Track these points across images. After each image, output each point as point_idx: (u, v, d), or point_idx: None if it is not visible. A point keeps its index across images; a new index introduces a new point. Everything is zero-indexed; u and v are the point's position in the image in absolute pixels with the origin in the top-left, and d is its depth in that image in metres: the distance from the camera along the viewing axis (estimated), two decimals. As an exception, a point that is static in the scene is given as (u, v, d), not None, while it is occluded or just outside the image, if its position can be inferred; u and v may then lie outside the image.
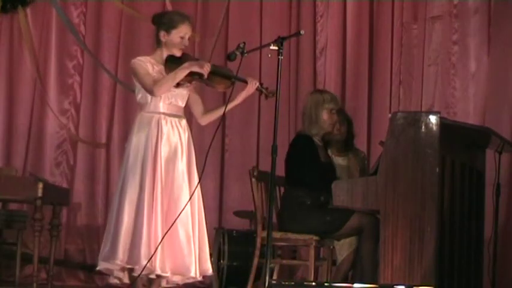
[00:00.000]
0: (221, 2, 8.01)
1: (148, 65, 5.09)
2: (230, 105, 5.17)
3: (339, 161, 6.25)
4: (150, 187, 4.98)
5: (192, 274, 5.01)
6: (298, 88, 7.86)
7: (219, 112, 5.30)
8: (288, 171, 5.79)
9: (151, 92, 5.02)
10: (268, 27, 7.86)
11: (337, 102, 5.92)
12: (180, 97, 5.15)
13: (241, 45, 4.82)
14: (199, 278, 5.12)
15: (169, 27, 5.12)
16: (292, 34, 5.38)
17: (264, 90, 5.18)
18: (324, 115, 5.81)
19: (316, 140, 5.83)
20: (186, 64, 5.04)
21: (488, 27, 7.19)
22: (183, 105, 5.18)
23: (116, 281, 5.15)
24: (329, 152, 6.13)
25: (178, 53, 5.14)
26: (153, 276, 5.00)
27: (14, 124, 7.96)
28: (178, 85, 5.11)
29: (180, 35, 5.13)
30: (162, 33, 5.13)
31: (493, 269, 5.97)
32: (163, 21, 5.15)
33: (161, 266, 4.93)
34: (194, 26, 7.83)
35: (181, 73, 5.02)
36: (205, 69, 5.03)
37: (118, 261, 4.94)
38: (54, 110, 7.92)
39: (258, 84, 5.17)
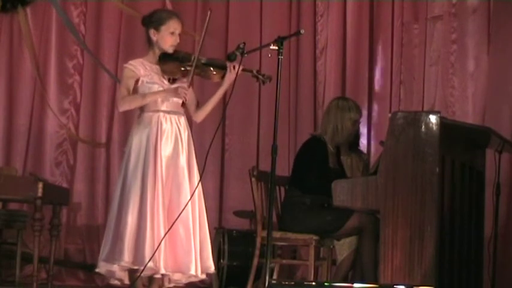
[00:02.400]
0: (221, 2, 8.01)
1: (140, 67, 5.09)
2: (220, 92, 5.18)
3: (342, 160, 6.24)
4: (152, 187, 4.98)
5: (192, 272, 5.00)
6: (298, 88, 7.86)
7: (210, 104, 5.27)
8: (293, 171, 5.80)
9: (117, 105, 5.10)
10: (268, 27, 7.86)
11: (361, 112, 5.93)
12: None
13: (241, 46, 4.82)
14: (201, 276, 5.11)
15: (158, 24, 5.14)
16: (292, 34, 5.38)
17: (259, 76, 5.17)
18: (349, 124, 5.82)
19: (330, 146, 5.83)
20: (162, 91, 5.04)
21: (488, 27, 7.19)
22: (181, 101, 5.17)
23: (116, 282, 5.14)
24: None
25: (170, 50, 5.15)
26: (158, 276, 4.99)
27: (14, 124, 7.95)
28: (174, 80, 5.13)
29: (169, 31, 5.14)
30: (152, 32, 5.15)
31: (493, 269, 5.97)
32: (152, 20, 5.18)
33: (165, 265, 4.94)
34: (194, 25, 7.86)
35: (151, 97, 5.03)
36: (182, 95, 5.01)
37: (123, 263, 4.93)
38: (54, 110, 7.92)
39: (241, 67, 5.11)
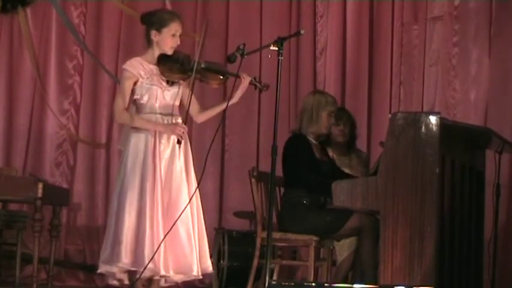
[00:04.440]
0: (221, 2, 8.01)
1: (139, 68, 5.08)
2: (228, 103, 5.17)
3: (342, 161, 6.25)
4: (151, 188, 4.98)
5: (195, 273, 5.02)
6: (298, 88, 7.86)
7: (215, 110, 5.29)
8: (285, 172, 5.79)
9: (114, 115, 5.15)
10: (268, 27, 7.86)
11: (336, 105, 5.94)
12: (174, 96, 5.15)
13: (241, 47, 4.82)
14: (200, 277, 5.12)
15: (160, 26, 5.12)
16: (292, 34, 5.38)
17: (257, 84, 5.19)
18: (324, 116, 5.82)
19: (311, 138, 5.83)
20: (161, 125, 5.06)
21: (489, 29, 7.18)
22: (178, 103, 5.18)
23: (115, 282, 5.14)
24: (329, 151, 6.13)
25: (170, 52, 5.15)
26: (157, 277, 4.99)
27: (14, 124, 7.95)
28: (173, 83, 5.13)
29: (171, 33, 5.13)
30: (153, 33, 5.14)
31: (493, 269, 5.97)
32: (153, 21, 5.16)
33: (164, 266, 4.93)
34: (194, 25, 7.86)
35: (147, 125, 5.05)
36: (180, 134, 5.04)
37: (121, 265, 4.93)
38: (54, 110, 7.92)
39: (250, 78, 5.16)
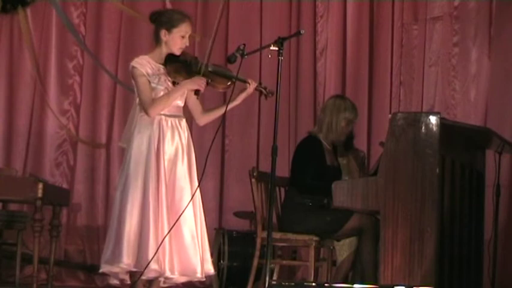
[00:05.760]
0: (221, 2, 8.01)
1: (147, 66, 5.07)
2: (230, 106, 5.16)
3: (339, 162, 6.25)
4: (154, 189, 4.96)
5: (199, 275, 5.00)
6: (298, 88, 7.86)
7: (217, 112, 5.29)
8: (291, 172, 5.80)
9: (146, 112, 5.01)
10: (268, 27, 7.86)
11: (356, 113, 5.93)
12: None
13: (241, 47, 4.81)
14: (204, 279, 5.11)
15: (170, 26, 5.09)
16: (292, 34, 5.38)
17: (263, 90, 5.18)
18: (343, 123, 5.82)
19: (326, 143, 5.84)
20: (182, 84, 5.04)
21: (489, 29, 7.19)
22: (182, 104, 5.16)
23: (116, 282, 5.13)
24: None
25: (178, 52, 5.13)
26: (161, 278, 4.99)
27: (14, 124, 7.95)
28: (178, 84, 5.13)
29: (181, 34, 5.10)
30: (163, 32, 5.09)
31: (493, 269, 5.98)
32: (164, 20, 5.11)
33: (170, 268, 4.92)
34: (194, 26, 7.85)
35: (176, 93, 5.03)
36: (201, 85, 5.04)
37: (122, 265, 4.90)
38: (54, 110, 7.92)
39: (256, 84, 5.17)
